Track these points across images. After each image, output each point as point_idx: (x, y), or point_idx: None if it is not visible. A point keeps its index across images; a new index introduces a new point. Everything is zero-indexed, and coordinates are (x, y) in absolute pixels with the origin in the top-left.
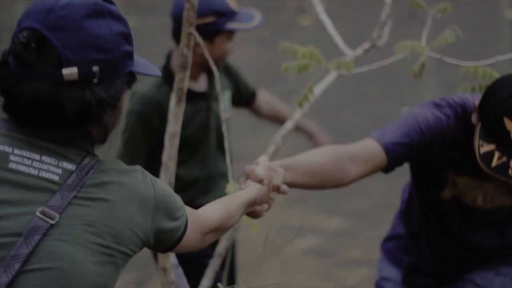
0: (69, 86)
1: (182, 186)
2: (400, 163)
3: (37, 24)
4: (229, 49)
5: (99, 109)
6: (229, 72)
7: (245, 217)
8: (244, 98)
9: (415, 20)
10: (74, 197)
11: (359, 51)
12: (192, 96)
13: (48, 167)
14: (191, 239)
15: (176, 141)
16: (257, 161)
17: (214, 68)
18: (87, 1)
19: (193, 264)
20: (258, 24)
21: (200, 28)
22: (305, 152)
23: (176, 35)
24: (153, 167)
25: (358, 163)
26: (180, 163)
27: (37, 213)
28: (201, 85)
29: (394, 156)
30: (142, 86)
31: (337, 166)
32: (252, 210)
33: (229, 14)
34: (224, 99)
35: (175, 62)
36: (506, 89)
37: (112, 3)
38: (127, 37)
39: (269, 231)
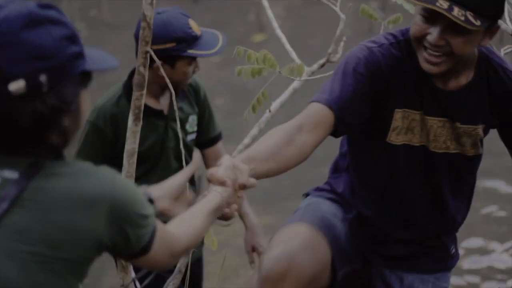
0: (19, 100)
1: None
2: (347, 121)
3: None
4: (191, 72)
5: (55, 117)
6: (198, 101)
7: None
8: (201, 139)
9: (373, 35)
10: (12, 205)
11: (315, 66)
12: (150, 113)
13: None
14: (159, 254)
15: (134, 159)
16: (219, 162)
17: (171, 88)
18: (21, 13)
19: (154, 279)
20: (219, 49)
21: (161, 53)
22: (259, 140)
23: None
24: None
25: (308, 131)
26: (137, 179)
27: None
28: (162, 104)
29: (340, 109)
30: (101, 98)
31: (290, 141)
32: (221, 214)
33: (190, 40)
34: (189, 122)
35: None
36: None
37: (51, 7)
38: (71, 39)
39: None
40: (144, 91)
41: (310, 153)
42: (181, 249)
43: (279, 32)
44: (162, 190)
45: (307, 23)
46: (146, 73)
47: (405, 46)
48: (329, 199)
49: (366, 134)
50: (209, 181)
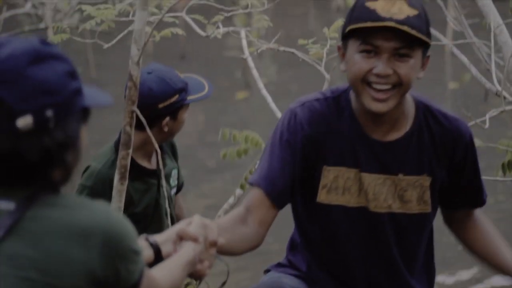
0: (26, 136)
1: None
2: (282, 193)
3: None
4: (185, 117)
5: (61, 152)
6: (174, 154)
7: None
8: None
9: None
10: (7, 234)
11: None
12: (145, 174)
13: None
14: None
15: None
16: (190, 221)
17: (156, 147)
18: (27, 49)
19: None
20: (210, 89)
21: (168, 109)
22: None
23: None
24: None
25: (255, 212)
26: None
27: None
28: (153, 163)
29: (270, 186)
30: (96, 161)
31: (243, 221)
32: (194, 271)
33: (186, 88)
34: (172, 176)
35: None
36: None
37: (50, 44)
38: (72, 75)
39: None
40: (130, 150)
41: (266, 232)
42: None
43: (264, 92)
44: (163, 236)
45: (293, 82)
46: (132, 133)
47: (333, 102)
48: (292, 275)
49: (300, 196)
50: (181, 237)
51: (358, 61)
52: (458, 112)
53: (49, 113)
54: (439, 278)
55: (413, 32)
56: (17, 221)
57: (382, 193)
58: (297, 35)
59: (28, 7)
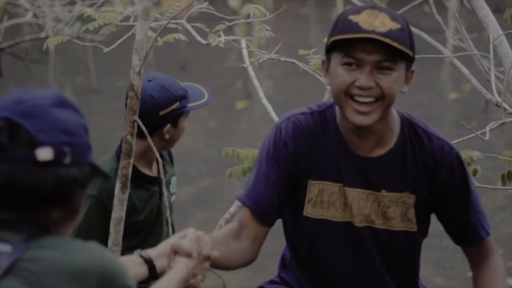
0: (44, 166)
1: None
2: (268, 210)
3: (8, 113)
4: (185, 125)
5: (74, 188)
6: (172, 161)
7: None
8: None
9: None
10: (5, 274)
11: None
12: (148, 182)
13: None
14: None
15: (121, 227)
16: (184, 234)
17: (157, 155)
18: (52, 94)
19: None
20: (209, 96)
21: (169, 115)
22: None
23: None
24: None
25: (245, 229)
26: (134, 247)
27: None
28: (154, 170)
29: (255, 204)
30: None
31: (237, 236)
32: (187, 285)
33: (186, 95)
34: (172, 183)
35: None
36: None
37: (70, 100)
38: (86, 130)
39: None
40: (132, 160)
41: (259, 247)
42: None
43: (265, 101)
44: (157, 250)
45: (293, 92)
46: (134, 142)
47: (319, 116)
48: None
49: (288, 211)
50: (175, 252)
51: (341, 74)
52: (458, 123)
53: (67, 149)
54: (437, 280)
55: (395, 44)
56: (15, 262)
57: (366, 208)
58: (298, 44)
59: (29, 17)
